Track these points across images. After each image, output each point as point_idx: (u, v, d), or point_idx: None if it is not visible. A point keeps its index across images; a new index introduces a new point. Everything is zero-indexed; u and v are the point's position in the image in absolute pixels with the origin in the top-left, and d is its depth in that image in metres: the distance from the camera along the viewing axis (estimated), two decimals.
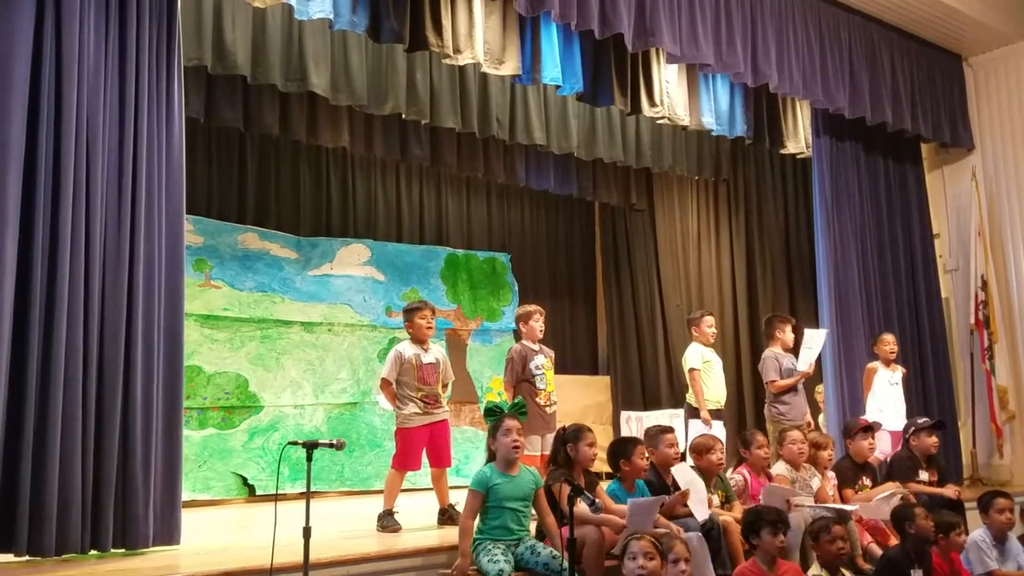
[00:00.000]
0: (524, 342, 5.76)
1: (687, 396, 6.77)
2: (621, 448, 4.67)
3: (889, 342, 6.79)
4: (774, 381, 6.47)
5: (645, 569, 3.62)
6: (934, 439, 5.91)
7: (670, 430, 4.96)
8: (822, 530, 4.28)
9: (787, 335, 6.64)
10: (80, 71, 4.25)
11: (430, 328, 5.38)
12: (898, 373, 6.80)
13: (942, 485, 5.85)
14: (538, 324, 5.74)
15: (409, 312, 5.41)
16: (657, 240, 9.54)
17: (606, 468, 5.13)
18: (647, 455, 4.73)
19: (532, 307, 5.85)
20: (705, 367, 6.62)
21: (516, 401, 4.61)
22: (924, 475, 5.82)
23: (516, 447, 4.15)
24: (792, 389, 6.44)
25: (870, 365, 6.80)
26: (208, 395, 7.27)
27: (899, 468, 5.78)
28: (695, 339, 6.78)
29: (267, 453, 7.40)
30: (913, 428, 5.96)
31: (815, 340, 6.47)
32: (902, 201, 7.97)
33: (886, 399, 6.64)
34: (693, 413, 6.62)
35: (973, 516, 5.54)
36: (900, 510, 4.79)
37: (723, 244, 9.27)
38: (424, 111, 6.64)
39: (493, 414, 4.31)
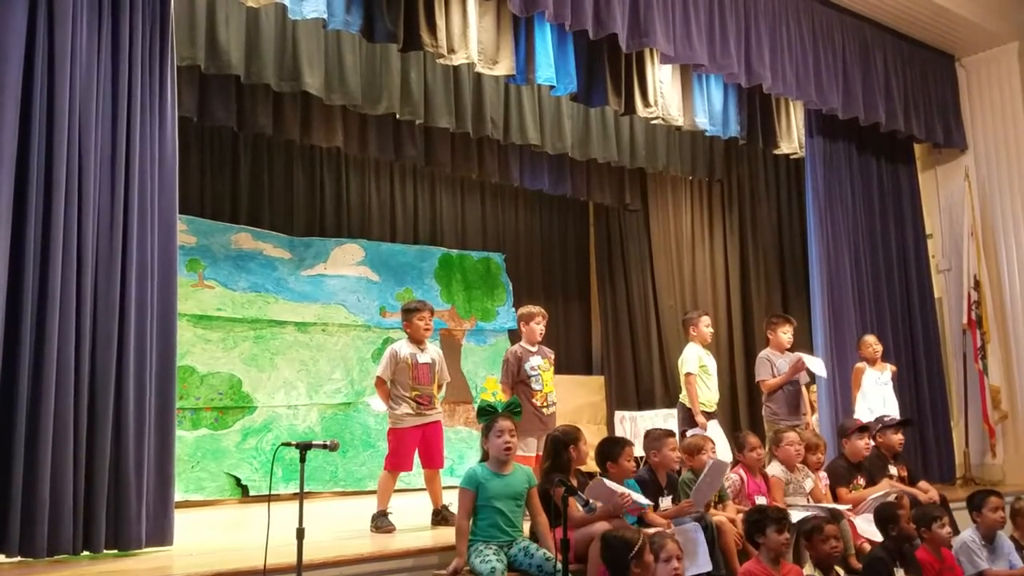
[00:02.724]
0: (522, 343, 5.75)
1: (680, 397, 6.77)
2: (608, 450, 4.67)
3: (870, 343, 6.83)
4: (764, 381, 6.50)
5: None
6: (899, 437, 6.00)
7: (671, 433, 4.99)
8: (815, 530, 4.29)
9: (781, 336, 6.64)
10: (73, 70, 4.24)
11: (428, 329, 5.37)
12: (887, 372, 6.82)
13: (913, 482, 5.93)
14: (539, 327, 5.74)
15: (408, 312, 5.40)
16: (651, 240, 9.57)
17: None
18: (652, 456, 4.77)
19: (535, 309, 5.84)
20: (701, 371, 6.62)
21: (510, 400, 4.60)
22: (893, 470, 5.88)
23: (507, 448, 4.15)
24: (789, 389, 6.45)
25: (858, 365, 6.84)
26: (201, 395, 7.26)
27: (871, 466, 5.82)
28: (692, 339, 6.76)
29: (260, 453, 7.38)
30: (880, 426, 6.03)
31: (815, 365, 6.56)
32: (895, 201, 8.00)
33: (875, 398, 6.67)
34: (687, 413, 6.62)
35: (961, 516, 5.57)
36: (882, 510, 4.81)
37: (717, 244, 9.29)
38: (418, 111, 6.64)
39: (486, 414, 4.31)
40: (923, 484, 5.94)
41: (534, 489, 4.24)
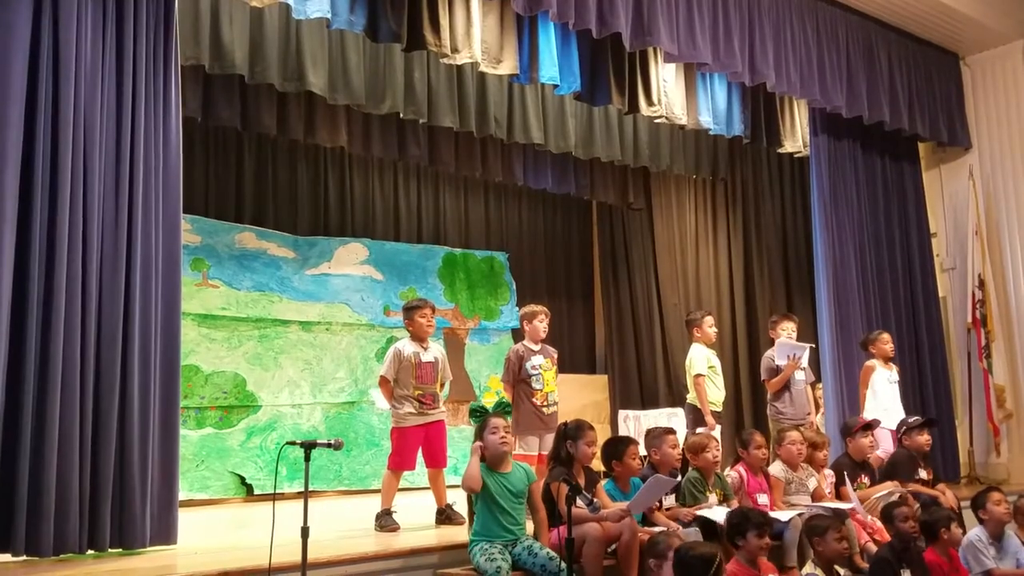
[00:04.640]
0: (524, 342, 5.74)
1: (689, 397, 6.77)
2: (612, 449, 4.69)
3: (888, 341, 6.81)
4: (767, 380, 6.50)
5: None
6: (927, 437, 5.96)
7: (672, 431, 4.99)
8: (830, 527, 4.25)
9: (781, 334, 6.63)
10: (77, 70, 4.25)
11: (430, 326, 5.38)
12: (895, 371, 6.81)
13: (935, 484, 5.91)
14: (542, 325, 5.73)
15: (409, 310, 5.41)
16: (655, 239, 9.55)
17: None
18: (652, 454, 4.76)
19: (538, 308, 5.83)
20: (710, 371, 6.62)
21: (499, 400, 4.63)
22: (923, 473, 5.86)
23: (504, 442, 4.18)
24: (792, 388, 6.44)
25: (868, 363, 6.80)
26: (206, 394, 7.27)
27: (901, 467, 5.81)
28: (697, 340, 6.75)
29: (265, 452, 7.39)
30: (905, 428, 6.00)
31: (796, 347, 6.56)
32: (899, 200, 7.98)
33: (888, 397, 6.65)
34: (696, 414, 6.62)
35: (966, 516, 5.56)
36: (886, 510, 4.80)
37: (721, 243, 9.27)
38: (422, 110, 6.64)
39: (478, 415, 4.37)
40: (941, 487, 5.92)
41: (534, 485, 4.26)
